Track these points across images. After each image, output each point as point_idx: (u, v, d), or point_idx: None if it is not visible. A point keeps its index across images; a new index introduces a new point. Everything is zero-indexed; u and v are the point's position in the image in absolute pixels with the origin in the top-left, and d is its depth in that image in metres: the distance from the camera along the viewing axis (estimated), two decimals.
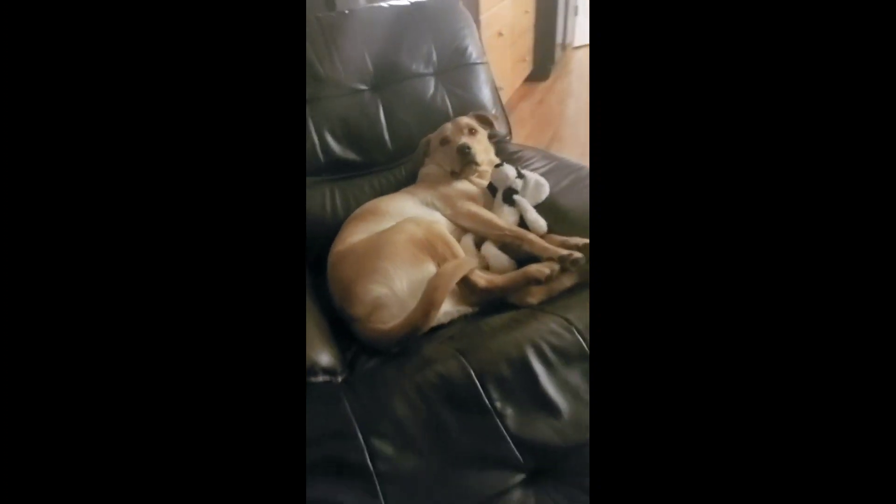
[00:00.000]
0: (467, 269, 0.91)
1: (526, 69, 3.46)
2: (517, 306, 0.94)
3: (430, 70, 1.43)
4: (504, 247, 1.07)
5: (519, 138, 2.93)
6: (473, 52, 1.50)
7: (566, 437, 0.69)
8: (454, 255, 0.97)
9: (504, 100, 3.15)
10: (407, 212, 1.10)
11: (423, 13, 1.44)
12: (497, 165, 1.16)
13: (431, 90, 1.42)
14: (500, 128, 1.50)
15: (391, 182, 1.36)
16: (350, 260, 0.97)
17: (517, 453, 0.68)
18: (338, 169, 1.33)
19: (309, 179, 1.28)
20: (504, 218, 1.11)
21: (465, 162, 1.19)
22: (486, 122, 1.34)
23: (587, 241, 0.97)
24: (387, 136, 1.37)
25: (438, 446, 0.67)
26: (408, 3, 1.45)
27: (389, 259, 0.93)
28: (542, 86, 3.54)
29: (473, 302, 0.95)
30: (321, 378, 0.77)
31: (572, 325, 0.80)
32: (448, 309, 0.92)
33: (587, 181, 1.17)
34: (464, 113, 1.41)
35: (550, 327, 0.80)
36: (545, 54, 3.58)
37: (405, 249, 0.95)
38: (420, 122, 1.38)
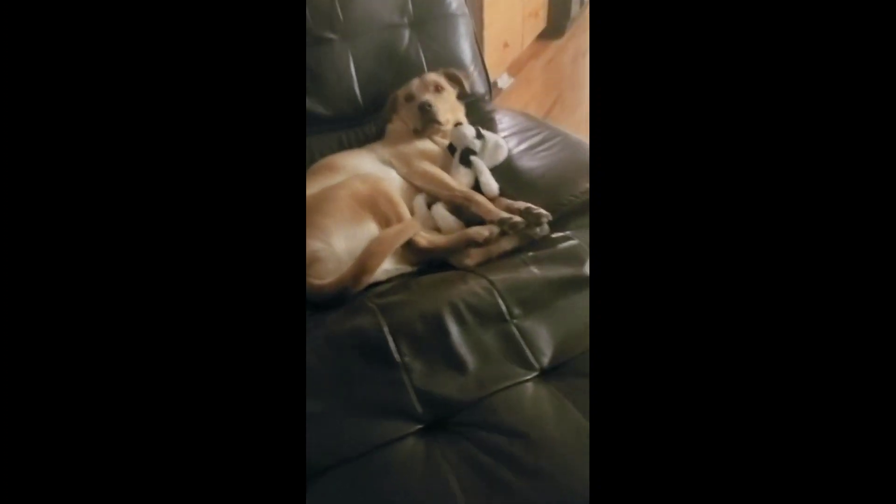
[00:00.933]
0: (407, 236, 0.92)
1: (539, 25, 3.30)
2: (455, 267, 0.95)
3: (405, 20, 1.38)
4: (455, 209, 1.06)
5: (523, 99, 2.85)
6: (453, 1, 1.44)
7: (467, 392, 0.71)
8: (397, 214, 0.97)
9: (512, 56, 3.04)
10: (362, 168, 1.10)
11: None
12: (456, 125, 1.14)
13: (406, 42, 1.38)
14: (478, 86, 1.46)
15: (359, 138, 1.35)
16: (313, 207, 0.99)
17: (417, 405, 0.70)
18: (307, 122, 1.32)
19: None
20: (459, 179, 1.10)
21: (426, 120, 1.17)
22: (455, 79, 1.30)
23: (530, 205, 0.96)
24: (357, 90, 1.35)
25: (342, 394, 0.70)
26: None
27: (330, 215, 0.94)
28: (555, 44, 3.38)
29: (413, 261, 0.96)
30: None
31: (493, 286, 0.81)
32: (387, 267, 0.94)
33: (552, 144, 1.14)
34: (439, 67, 1.37)
35: (472, 287, 0.81)
36: (560, 10, 3.38)
37: (346, 206, 0.95)
38: (392, 76, 1.35)
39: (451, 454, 0.66)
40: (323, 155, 1.27)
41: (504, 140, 1.15)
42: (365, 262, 0.86)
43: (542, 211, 0.95)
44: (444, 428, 0.69)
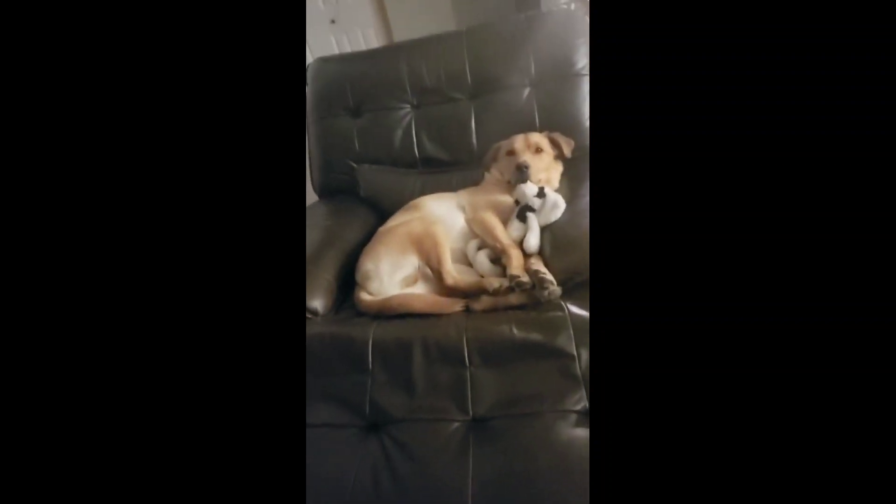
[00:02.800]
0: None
1: None
2: (468, 308, 1.07)
3: (526, 81, 1.52)
4: (497, 257, 1.18)
5: None
6: (581, 63, 1.50)
7: (405, 412, 0.86)
8: (438, 256, 1.15)
9: None
10: (436, 211, 1.31)
11: (532, 25, 1.53)
12: (522, 181, 1.24)
13: (522, 101, 1.52)
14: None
15: (469, 181, 1.56)
16: (373, 238, 1.27)
17: (367, 407, 0.89)
18: (428, 164, 1.61)
19: (403, 170, 1.61)
20: (511, 232, 1.20)
21: (519, 178, 1.30)
22: (555, 143, 1.40)
23: (539, 269, 1.00)
24: (474, 140, 1.57)
25: (317, 379, 0.94)
26: (521, 16, 1.55)
27: (385, 244, 1.19)
28: None
29: (440, 293, 1.13)
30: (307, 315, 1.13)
31: (465, 333, 0.92)
32: (420, 292, 1.14)
33: None
34: (552, 124, 1.47)
35: (448, 329, 0.94)
36: None
37: (398, 239, 1.19)
38: (505, 130, 1.51)
39: (375, 450, 0.83)
40: (435, 190, 1.54)
41: (563, 200, 1.19)
42: (398, 305, 1.07)
43: (548, 276, 0.99)
44: (377, 431, 0.86)
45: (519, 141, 1.39)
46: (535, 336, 0.89)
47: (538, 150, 1.37)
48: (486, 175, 1.46)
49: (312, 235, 1.33)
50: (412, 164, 1.61)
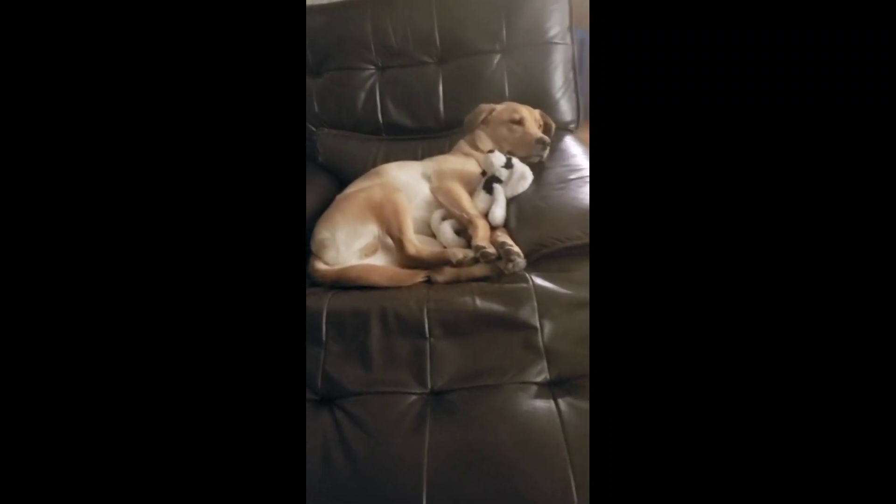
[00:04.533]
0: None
1: None
2: (429, 280, 1.03)
3: (497, 47, 1.46)
4: (463, 228, 1.14)
5: None
6: (554, 30, 1.46)
7: (362, 386, 0.82)
8: (399, 223, 1.10)
9: None
10: (399, 179, 1.25)
11: None
12: (489, 151, 1.19)
13: (492, 68, 1.46)
14: (567, 115, 1.46)
15: (435, 149, 1.50)
16: (331, 206, 1.20)
17: (319, 380, 0.84)
18: (392, 130, 1.54)
19: (365, 136, 1.53)
20: (477, 203, 1.16)
21: (536, 152, 1.25)
22: (548, 128, 1.38)
23: (506, 241, 0.97)
24: (441, 107, 1.50)
25: None
26: None
27: (343, 211, 1.13)
28: None
29: (400, 263, 1.08)
30: None
31: (426, 304, 0.88)
32: (380, 264, 1.08)
33: (577, 184, 1.10)
34: (522, 94, 1.43)
35: (407, 301, 0.90)
36: None
37: (357, 206, 1.13)
38: (474, 97, 1.45)
39: (327, 424, 0.79)
40: (397, 158, 1.47)
41: (530, 172, 1.16)
42: (357, 277, 1.01)
43: (515, 248, 0.96)
44: (330, 405, 0.82)
45: (524, 110, 1.34)
46: (498, 307, 0.86)
47: (547, 130, 1.35)
48: (462, 141, 1.40)
49: None
50: (375, 130, 1.53)
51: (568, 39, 1.47)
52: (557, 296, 0.87)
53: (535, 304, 0.86)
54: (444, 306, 0.88)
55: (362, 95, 1.52)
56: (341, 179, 1.47)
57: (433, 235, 1.18)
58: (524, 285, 0.89)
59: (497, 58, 1.47)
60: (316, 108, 1.53)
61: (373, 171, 1.32)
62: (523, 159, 1.26)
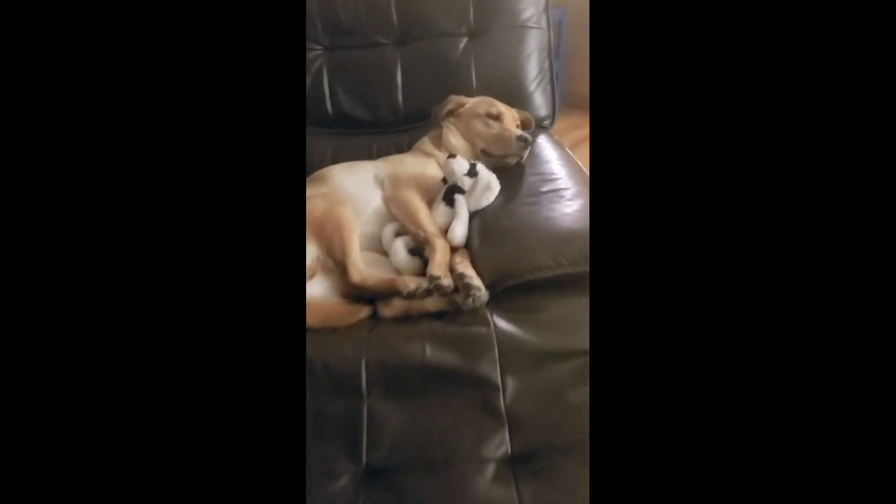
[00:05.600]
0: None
1: None
2: (375, 314, 0.87)
3: (463, 29, 1.27)
4: (419, 247, 0.97)
5: None
6: (528, 12, 1.28)
7: None
8: (342, 242, 0.93)
9: None
10: (346, 185, 1.07)
11: None
12: (450, 156, 1.02)
13: (458, 53, 1.28)
14: (542, 110, 1.30)
15: (392, 146, 1.32)
16: None
17: None
18: (343, 122, 1.34)
19: (312, 129, 1.33)
20: (437, 216, 0.99)
21: (516, 152, 1.09)
22: (527, 123, 1.22)
23: (465, 272, 0.82)
24: (400, 97, 1.31)
25: None
26: None
27: None
28: None
29: (343, 292, 0.92)
30: None
31: (365, 353, 0.72)
32: (319, 292, 0.92)
33: (550, 199, 0.95)
34: (489, 82, 1.25)
35: (343, 348, 0.74)
36: None
37: None
38: (438, 86, 1.27)
39: None
40: (351, 157, 1.28)
41: (497, 181, 0.99)
42: None
43: (475, 282, 0.80)
44: None
45: (501, 105, 1.17)
46: (452, 358, 0.71)
47: (523, 127, 1.19)
48: (425, 138, 1.21)
49: None
50: (323, 122, 1.33)
51: (543, 23, 1.29)
52: (523, 344, 0.72)
53: (497, 354, 0.71)
54: (387, 357, 0.72)
55: (307, 81, 1.31)
56: None
57: (385, 253, 1.02)
58: (484, 330, 0.74)
59: (463, 41, 1.28)
60: None
61: (316, 175, 1.13)
62: (500, 159, 1.11)
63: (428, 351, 0.72)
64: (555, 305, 0.76)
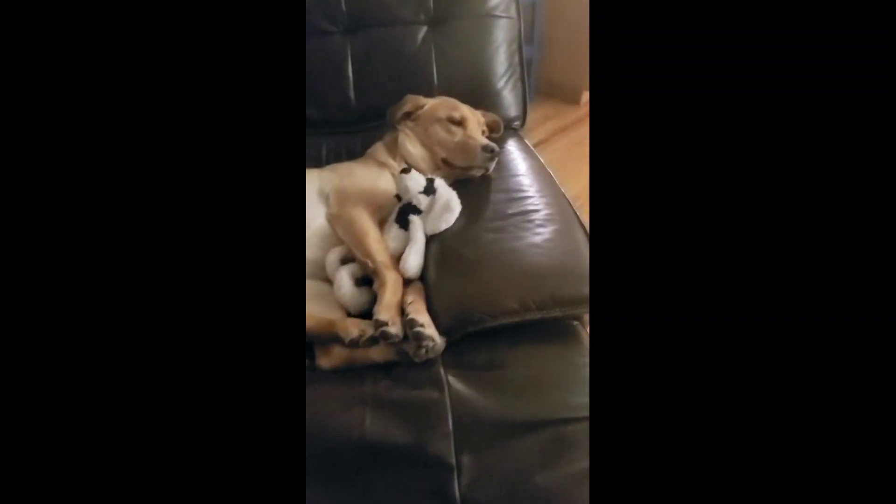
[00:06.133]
0: None
1: None
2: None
3: (421, 17, 1.12)
4: (368, 278, 0.84)
5: None
6: (496, 0, 1.13)
7: None
8: None
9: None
10: None
11: None
12: (404, 170, 0.88)
13: (416, 44, 1.12)
14: (511, 109, 1.17)
15: (343, 149, 1.17)
16: None
17: None
18: None
19: None
20: (389, 241, 0.86)
21: (481, 164, 0.95)
22: (496, 127, 1.10)
23: (415, 318, 0.69)
24: (351, 93, 1.16)
25: None
26: None
27: None
28: None
29: None
30: None
31: None
32: None
33: (517, 223, 0.82)
34: (452, 78, 1.11)
35: None
36: None
37: None
38: (393, 82, 1.12)
39: None
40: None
41: (458, 200, 0.87)
42: None
43: (428, 332, 0.68)
44: None
45: (465, 108, 1.03)
46: (397, 433, 0.59)
47: (487, 133, 1.05)
48: (379, 144, 1.07)
49: None
50: None
51: (513, 11, 1.14)
52: (483, 414, 0.60)
53: (451, 426, 0.60)
54: (319, 429, 0.60)
55: None
56: None
57: (329, 281, 0.88)
58: (436, 395, 0.62)
59: (423, 31, 1.13)
60: None
61: None
62: (464, 172, 0.98)
63: (368, 422, 0.60)
64: (521, 360, 0.65)
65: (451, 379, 0.64)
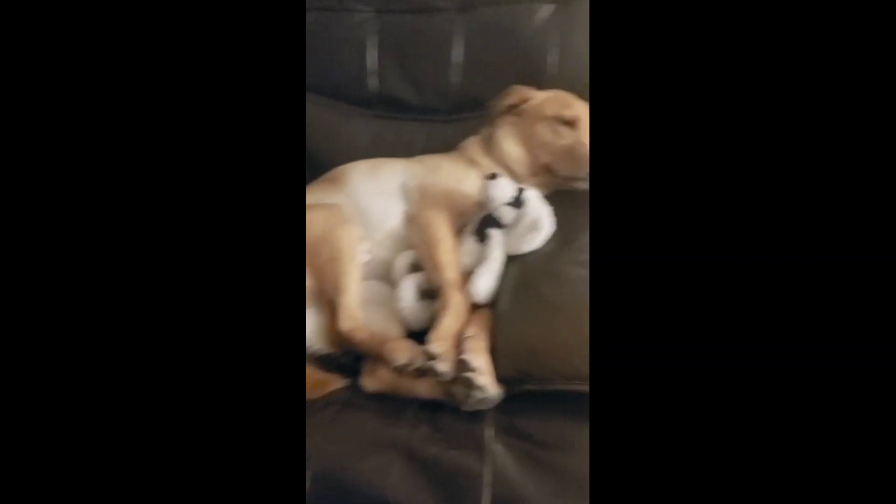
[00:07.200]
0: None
1: None
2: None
3: None
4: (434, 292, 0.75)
5: None
6: None
7: None
8: (334, 276, 0.74)
9: None
10: (360, 196, 0.86)
11: None
12: (490, 176, 0.76)
13: (533, 27, 0.97)
14: None
15: (438, 140, 1.07)
16: None
17: None
18: (387, 104, 1.11)
19: (349, 108, 1.11)
20: (463, 255, 0.76)
21: (587, 176, 0.80)
22: None
23: (468, 359, 0.58)
24: (455, 78, 1.05)
25: None
26: None
27: None
28: None
29: (336, 341, 0.74)
30: None
31: (310, 459, 0.54)
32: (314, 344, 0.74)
33: None
34: (572, 71, 0.95)
35: None
36: None
37: None
38: (504, 71, 0.99)
39: None
40: (388, 149, 1.06)
41: (550, 219, 0.72)
42: None
43: (480, 381, 0.57)
44: None
45: (580, 106, 0.87)
46: (419, 499, 0.50)
47: None
48: (474, 138, 0.96)
49: None
50: (364, 101, 1.10)
51: None
52: (524, 500, 0.49)
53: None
54: (340, 474, 0.53)
55: (350, 49, 1.09)
56: (310, 162, 1.10)
57: (395, 285, 0.81)
58: (475, 463, 0.52)
59: (548, 9, 0.97)
60: None
61: (334, 174, 0.93)
62: (566, 182, 0.83)
63: (394, 476, 0.52)
64: (581, 437, 0.52)
65: (497, 447, 0.53)
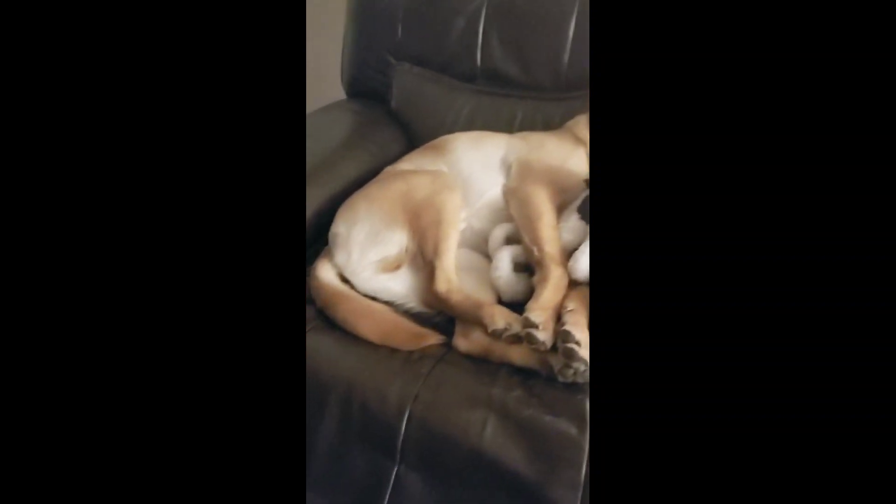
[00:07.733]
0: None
1: None
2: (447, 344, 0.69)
3: None
4: (530, 266, 0.75)
5: None
6: None
7: None
8: (436, 240, 0.75)
9: None
10: (463, 165, 0.87)
11: None
12: None
13: None
14: None
15: (539, 118, 1.06)
16: (363, 188, 0.88)
17: None
18: (490, 79, 1.10)
19: (453, 81, 1.13)
20: (563, 232, 0.75)
21: None
22: None
23: (572, 332, 0.57)
24: (566, 55, 1.02)
25: None
26: None
27: (370, 201, 0.81)
28: None
29: (429, 303, 0.76)
30: None
31: (410, 402, 0.56)
32: (399, 289, 0.77)
33: None
34: None
35: (389, 385, 0.58)
36: None
37: (390, 202, 0.79)
38: None
39: None
40: (489, 124, 1.06)
41: None
42: (344, 318, 0.71)
43: (582, 353, 0.56)
44: None
45: None
46: (517, 459, 0.51)
47: None
48: (582, 117, 0.94)
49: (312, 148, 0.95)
50: (468, 76, 1.11)
51: None
52: None
53: (584, 477, 0.49)
54: (436, 419, 0.55)
55: (460, 23, 1.09)
56: (411, 136, 1.13)
57: (489, 257, 0.82)
58: (573, 431, 0.51)
59: None
60: (399, 34, 1.15)
61: (438, 142, 0.95)
62: None
63: (489, 431, 0.53)
64: None
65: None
